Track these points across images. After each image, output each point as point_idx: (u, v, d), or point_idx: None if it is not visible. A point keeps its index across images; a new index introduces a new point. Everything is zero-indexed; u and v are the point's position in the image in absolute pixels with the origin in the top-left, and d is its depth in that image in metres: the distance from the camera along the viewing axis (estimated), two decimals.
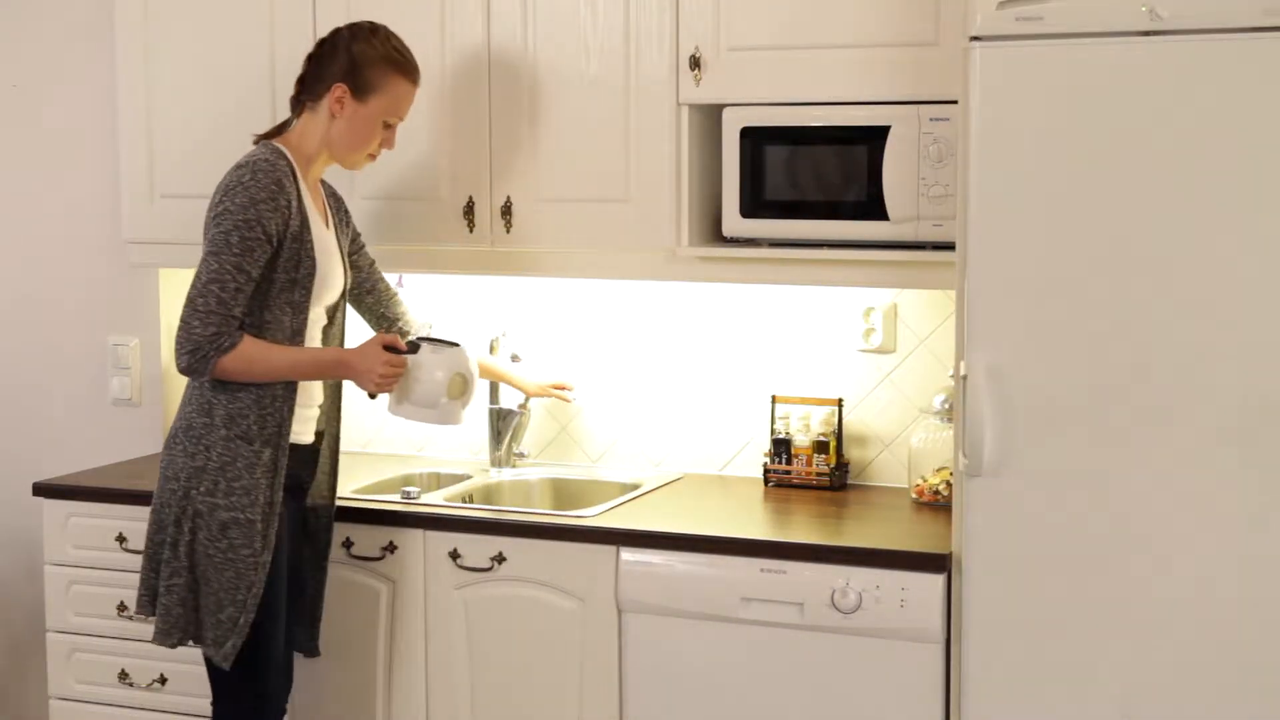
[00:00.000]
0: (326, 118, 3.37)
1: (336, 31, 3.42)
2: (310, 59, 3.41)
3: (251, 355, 3.24)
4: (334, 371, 3.39)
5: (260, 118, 3.78)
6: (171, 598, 3.28)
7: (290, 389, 3.33)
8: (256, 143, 3.40)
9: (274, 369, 3.29)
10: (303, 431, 3.42)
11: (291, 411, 3.33)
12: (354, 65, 3.35)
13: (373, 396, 3.44)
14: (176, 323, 4.24)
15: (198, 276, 3.23)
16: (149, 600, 3.37)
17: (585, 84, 3.60)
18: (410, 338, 3.46)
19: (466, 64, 3.69)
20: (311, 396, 3.43)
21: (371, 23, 3.44)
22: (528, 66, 3.64)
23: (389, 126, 3.42)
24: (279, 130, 3.43)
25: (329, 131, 3.37)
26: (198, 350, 3.22)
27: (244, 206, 3.21)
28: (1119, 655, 2.98)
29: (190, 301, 3.22)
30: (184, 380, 4.25)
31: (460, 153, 3.71)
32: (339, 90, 3.35)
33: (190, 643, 3.32)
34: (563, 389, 3.95)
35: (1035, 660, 3.04)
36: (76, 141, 4.35)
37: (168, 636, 3.30)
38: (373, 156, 3.45)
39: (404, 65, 3.41)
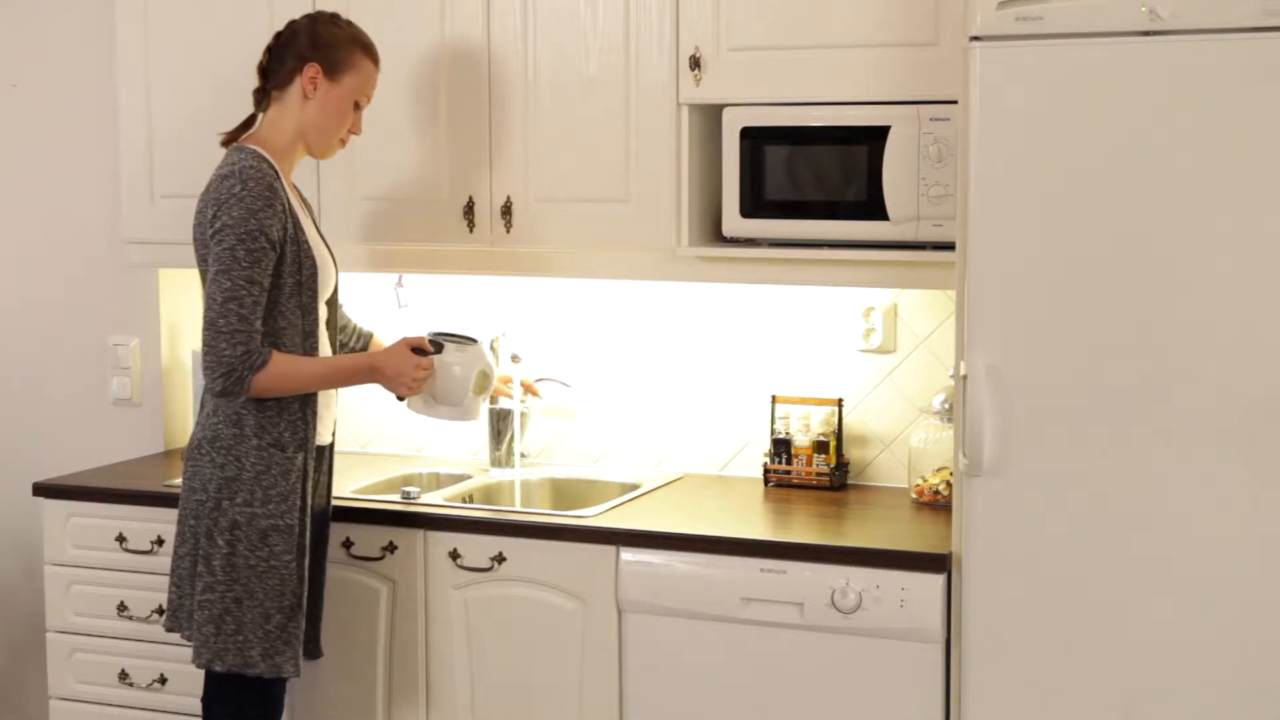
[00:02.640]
0: (298, 102, 3.34)
1: (294, 22, 3.41)
2: (270, 50, 3.38)
3: (284, 371, 3.23)
4: (364, 378, 3.38)
5: None
6: (204, 614, 3.27)
7: (314, 394, 3.34)
8: (225, 144, 3.37)
9: (308, 381, 3.29)
10: (324, 432, 3.42)
11: (316, 414, 3.34)
12: (323, 45, 3.34)
13: (401, 399, 3.44)
14: (176, 322, 4.25)
15: (211, 298, 3.19)
16: (176, 615, 3.35)
17: (585, 84, 3.60)
18: (428, 336, 3.46)
19: (466, 63, 3.69)
20: (329, 396, 3.43)
21: (329, 11, 3.46)
22: (528, 66, 3.64)
23: (357, 108, 3.41)
24: (244, 128, 3.40)
25: (301, 117, 3.34)
26: (231, 372, 3.18)
27: (243, 219, 3.18)
28: (1119, 655, 2.98)
29: (211, 324, 3.18)
30: (185, 381, 4.30)
31: (460, 153, 3.71)
32: (312, 70, 3.32)
33: (235, 669, 3.27)
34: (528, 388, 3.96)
35: (1035, 660, 3.04)
36: (76, 141, 4.35)
37: (212, 662, 3.27)
38: (343, 142, 3.43)
39: (369, 46, 3.41)
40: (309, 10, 3.75)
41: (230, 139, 3.38)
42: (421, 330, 3.52)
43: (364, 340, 3.72)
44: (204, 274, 3.29)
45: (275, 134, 3.35)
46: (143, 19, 3.97)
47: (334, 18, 3.41)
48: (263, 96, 3.38)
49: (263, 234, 3.19)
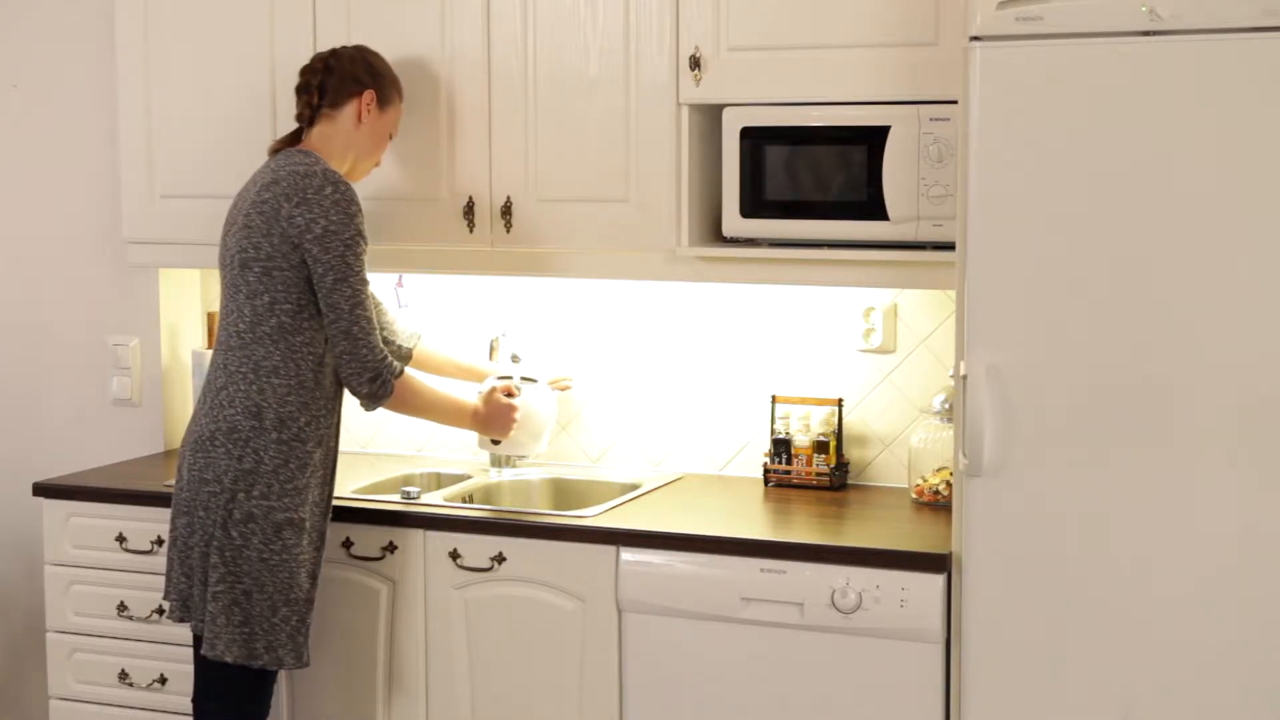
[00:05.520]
0: (351, 125, 3.46)
1: (340, 50, 3.52)
2: (320, 72, 3.46)
3: (413, 386, 3.42)
4: (467, 421, 3.60)
5: (260, 117, 3.79)
6: (216, 605, 3.28)
7: (341, 390, 3.41)
8: (276, 151, 3.44)
9: (428, 402, 3.48)
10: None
11: (334, 411, 3.40)
12: (378, 75, 3.49)
13: (496, 443, 3.67)
14: (176, 322, 4.25)
15: (337, 307, 3.28)
16: (187, 604, 3.36)
17: (585, 84, 3.60)
18: (504, 380, 3.67)
19: (467, 64, 3.69)
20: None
21: (369, 47, 3.57)
22: (528, 66, 3.64)
23: (389, 138, 3.58)
24: (289, 141, 3.47)
25: (353, 138, 3.46)
26: (377, 376, 3.32)
27: (344, 223, 3.28)
28: (1119, 655, 2.98)
29: (347, 333, 3.29)
30: (185, 381, 4.30)
31: (460, 153, 3.71)
32: (369, 97, 3.46)
33: (240, 661, 3.29)
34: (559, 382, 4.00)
35: (1035, 660, 3.04)
36: (76, 141, 4.35)
37: (223, 653, 3.28)
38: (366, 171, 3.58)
39: (401, 86, 3.58)
40: (310, 12, 3.77)
41: (279, 149, 3.45)
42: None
43: (413, 342, 3.76)
44: (245, 261, 3.32)
45: (326, 147, 3.45)
46: (143, 19, 3.97)
47: (376, 54, 3.54)
48: (312, 113, 3.47)
49: (360, 236, 3.32)
